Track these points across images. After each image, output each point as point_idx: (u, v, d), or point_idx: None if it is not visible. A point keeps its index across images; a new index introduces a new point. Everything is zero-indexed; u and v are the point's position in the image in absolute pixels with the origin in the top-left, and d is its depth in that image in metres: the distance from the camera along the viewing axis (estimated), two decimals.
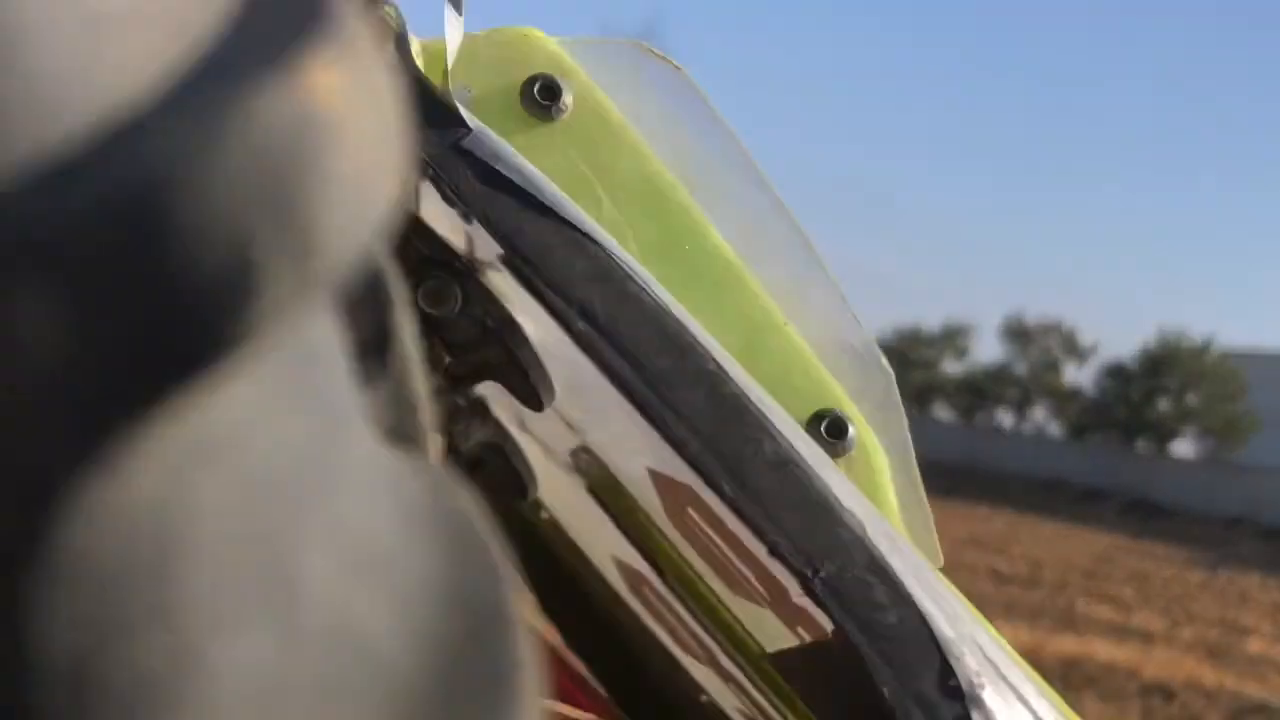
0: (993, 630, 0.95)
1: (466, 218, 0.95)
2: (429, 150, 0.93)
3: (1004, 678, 0.88)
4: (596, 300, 0.90)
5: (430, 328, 1.09)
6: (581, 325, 0.90)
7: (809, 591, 0.87)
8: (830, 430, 0.96)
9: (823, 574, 0.86)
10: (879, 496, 0.97)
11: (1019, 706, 0.88)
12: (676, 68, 1.03)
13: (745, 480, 0.87)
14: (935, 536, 0.97)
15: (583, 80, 1.00)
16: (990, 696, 0.86)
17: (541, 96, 0.98)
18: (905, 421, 1.00)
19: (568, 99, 0.99)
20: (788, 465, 0.88)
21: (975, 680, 0.86)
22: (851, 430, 0.96)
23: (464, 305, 1.08)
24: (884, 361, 1.01)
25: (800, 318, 1.00)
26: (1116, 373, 38.13)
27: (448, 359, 1.12)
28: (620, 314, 0.89)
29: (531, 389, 1.09)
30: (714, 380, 0.89)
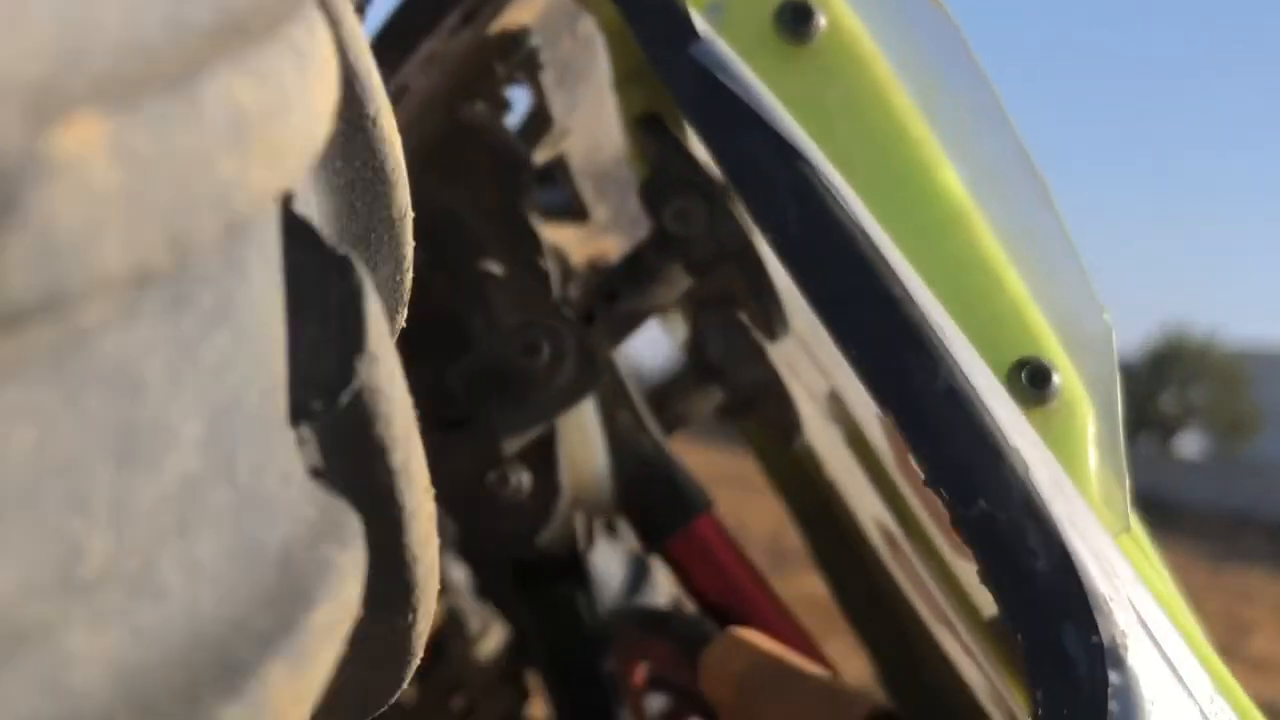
0: (1166, 594, 0.90)
1: None
2: (660, 57, 0.95)
3: (1154, 640, 0.84)
4: (792, 214, 0.90)
5: (674, 248, 1.12)
6: (774, 237, 0.90)
7: (957, 525, 0.84)
8: (1032, 377, 0.93)
9: (974, 510, 0.84)
10: (1074, 449, 0.93)
11: (1166, 672, 0.83)
12: (939, 6, 1.02)
13: (911, 405, 0.86)
14: (1127, 497, 0.93)
15: (839, 9, 1.00)
16: (1134, 658, 0.81)
17: (793, 21, 0.99)
18: (1117, 378, 0.95)
19: (820, 24, 0.99)
20: (957, 396, 0.85)
21: (1119, 640, 0.81)
22: (1055, 380, 0.92)
23: (709, 227, 1.10)
24: (1106, 316, 0.96)
25: (1024, 263, 0.97)
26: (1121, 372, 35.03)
27: (689, 280, 1.14)
28: (812, 230, 0.89)
29: (766, 316, 1.10)
30: (897, 304, 0.87)
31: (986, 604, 1.04)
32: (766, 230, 0.90)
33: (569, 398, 1.11)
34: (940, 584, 1.17)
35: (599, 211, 1.46)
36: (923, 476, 0.86)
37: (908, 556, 1.25)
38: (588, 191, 1.43)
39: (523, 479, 1.13)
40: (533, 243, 1.17)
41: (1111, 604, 0.82)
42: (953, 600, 1.16)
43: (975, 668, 1.22)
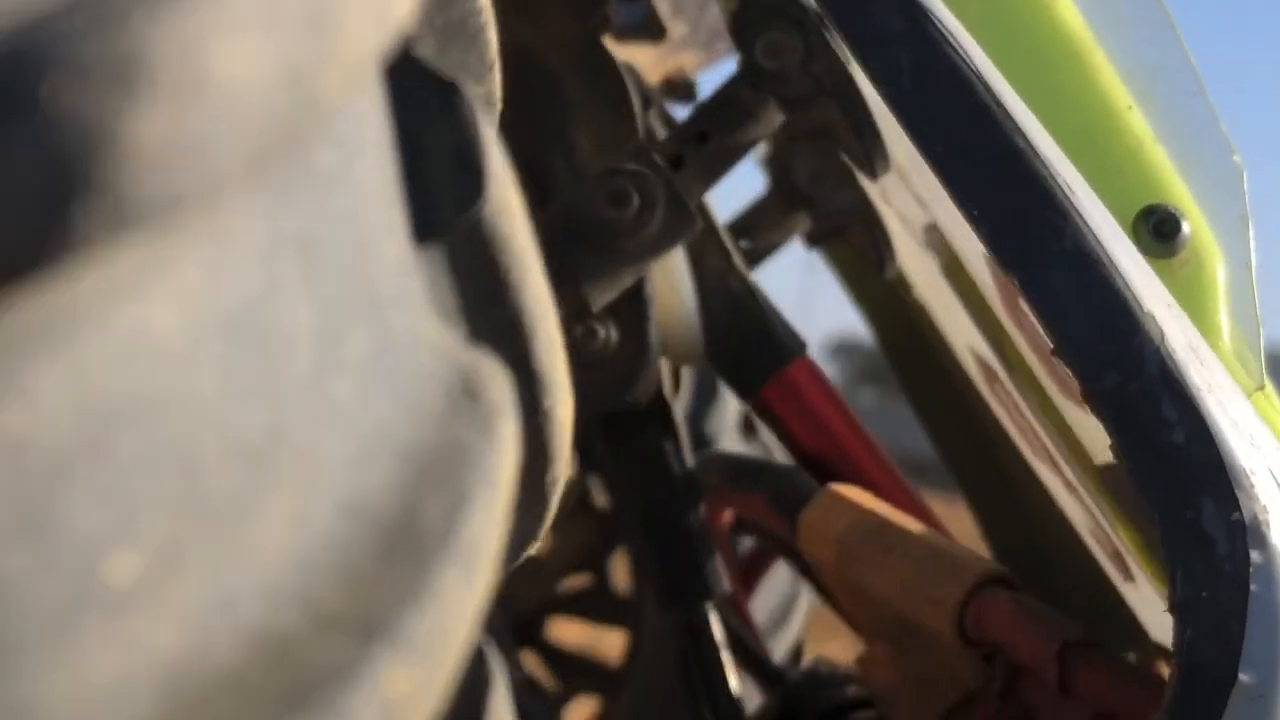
0: None
1: None
2: None
3: None
4: (905, 62, 0.83)
5: (767, 83, 1.05)
6: (886, 89, 0.83)
7: (1088, 399, 0.79)
8: (1159, 228, 0.87)
9: (1105, 382, 0.78)
10: (1204, 302, 0.87)
11: None
12: None
13: (1036, 270, 0.80)
14: (1261, 353, 0.87)
15: None
16: (1278, 534, 0.77)
17: None
18: (1249, 223, 0.89)
19: None
20: (1086, 259, 0.80)
21: (1261, 516, 0.77)
22: (1184, 228, 0.87)
23: (804, 60, 1.03)
24: (1236, 157, 0.90)
25: (1147, 102, 0.90)
26: None
27: (783, 116, 1.08)
28: (927, 79, 0.83)
29: (866, 154, 1.03)
30: (1019, 159, 0.81)
31: (1095, 451, 1.00)
32: (878, 81, 0.84)
33: (658, 248, 1.06)
34: (1042, 421, 1.13)
35: (676, 27, 1.38)
36: (1050, 345, 0.80)
37: (1007, 390, 1.21)
38: (664, 7, 1.36)
39: (611, 332, 1.08)
40: (616, 81, 1.11)
41: (1253, 477, 0.78)
42: (1056, 438, 1.11)
43: (1076, 503, 1.19)
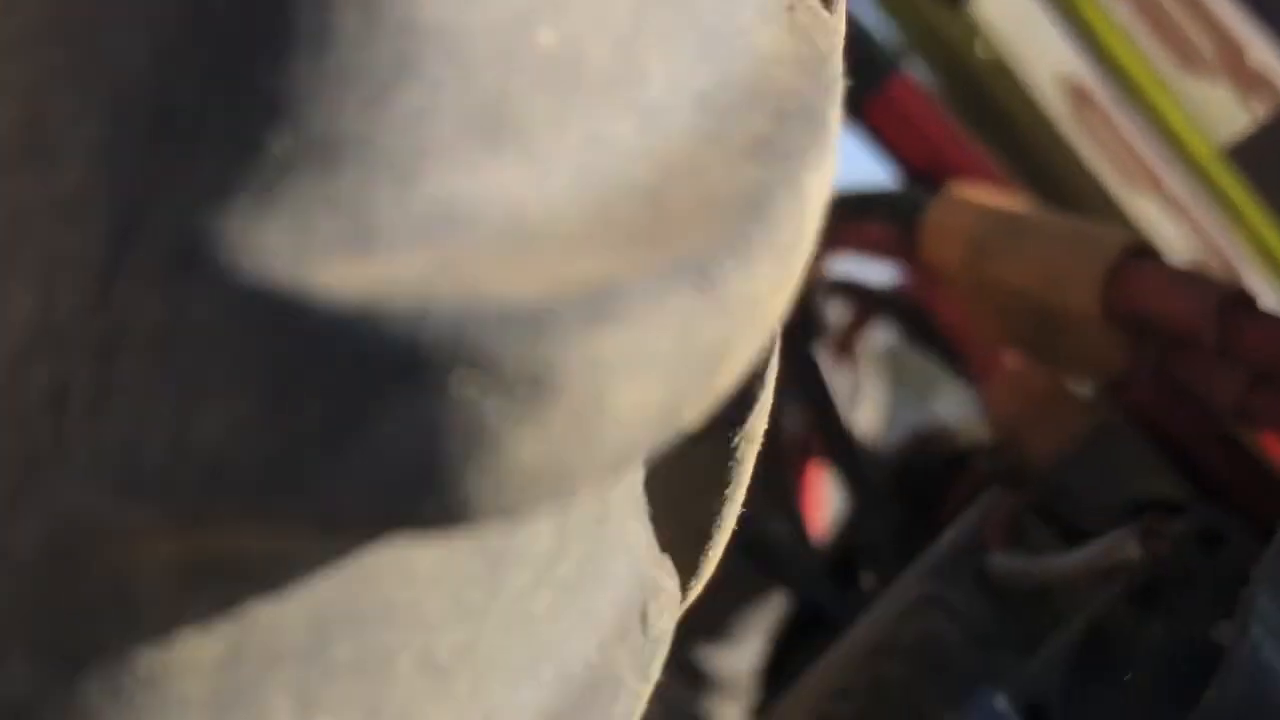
0: None
1: None
2: None
3: None
4: None
5: None
6: None
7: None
8: None
9: None
10: None
11: None
12: None
13: None
14: None
15: None
16: None
17: None
18: None
19: None
20: None
21: None
22: None
23: None
24: None
25: None
26: None
27: None
28: None
29: None
30: None
31: (1219, 128, 0.97)
32: None
33: None
34: (1152, 127, 1.10)
35: None
36: None
37: (1101, 111, 1.17)
38: None
39: None
40: None
41: None
42: (1167, 141, 1.08)
43: (1179, 224, 1.16)
